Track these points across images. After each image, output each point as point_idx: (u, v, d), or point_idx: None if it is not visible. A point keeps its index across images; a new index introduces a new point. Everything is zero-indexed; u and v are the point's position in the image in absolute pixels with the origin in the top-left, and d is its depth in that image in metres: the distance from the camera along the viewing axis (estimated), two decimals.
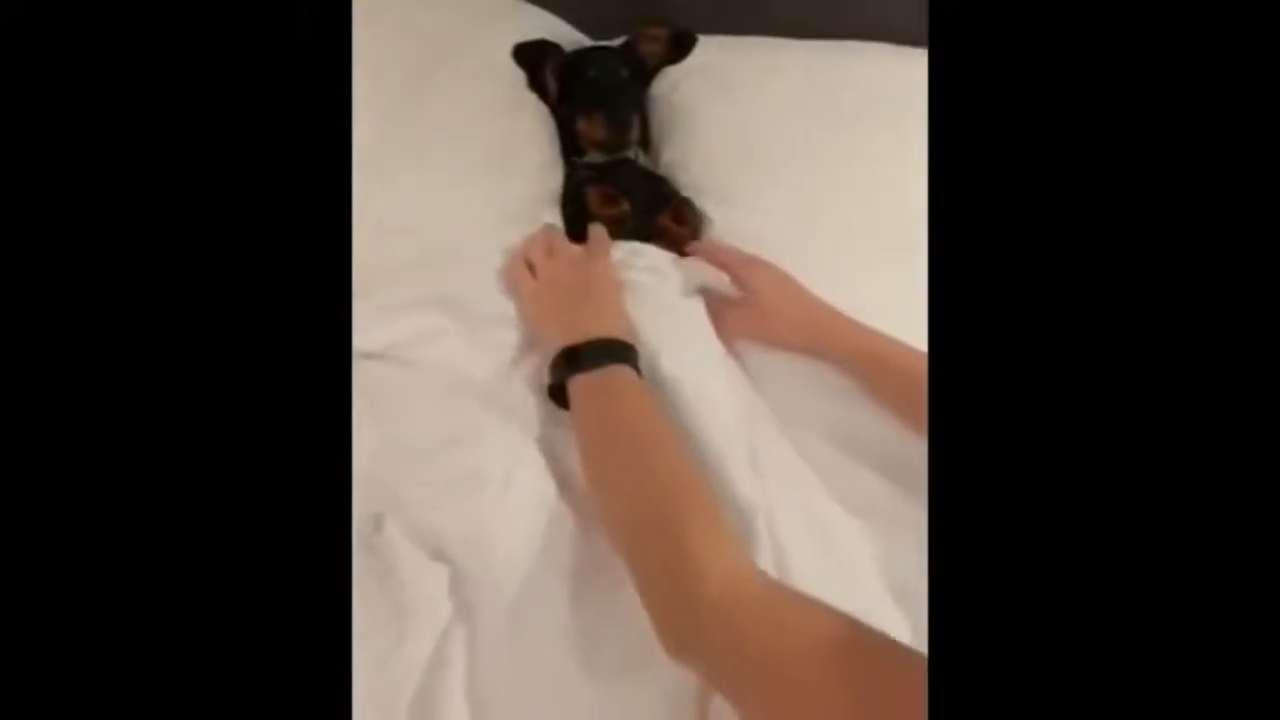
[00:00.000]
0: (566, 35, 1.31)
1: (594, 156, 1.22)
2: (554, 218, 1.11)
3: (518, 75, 1.20)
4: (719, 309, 0.97)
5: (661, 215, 1.14)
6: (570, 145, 1.23)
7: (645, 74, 1.27)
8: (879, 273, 1.02)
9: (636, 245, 1.03)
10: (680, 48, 1.27)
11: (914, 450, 0.81)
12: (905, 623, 0.73)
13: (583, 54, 1.25)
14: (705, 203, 1.17)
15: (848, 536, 0.82)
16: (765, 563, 0.72)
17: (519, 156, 1.15)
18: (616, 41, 1.29)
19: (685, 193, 1.19)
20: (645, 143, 1.26)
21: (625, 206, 1.12)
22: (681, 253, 1.04)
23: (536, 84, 1.22)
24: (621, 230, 1.08)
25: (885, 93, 1.19)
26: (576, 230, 1.07)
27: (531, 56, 1.21)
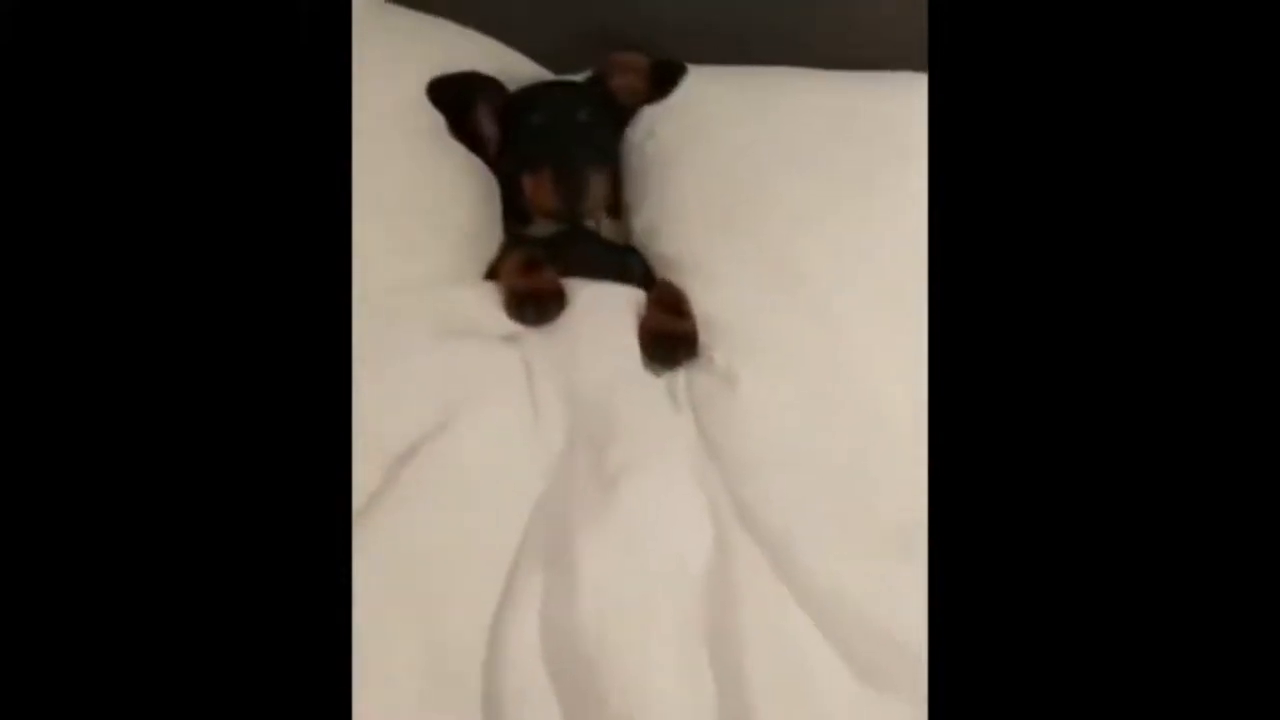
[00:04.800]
0: (518, 66, 1.03)
1: (541, 227, 0.94)
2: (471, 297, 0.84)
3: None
4: None
5: (649, 311, 0.84)
6: (513, 210, 0.94)
7: (619, 115, 0.97)
8: (873, 347, 0.82)
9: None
10: (664, 81, 0.97)
11: None
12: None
13: (529, 91, 0.97)
14: (682, 280, 0.87)
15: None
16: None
17: (436, 218, 0.88)
18: (582, 76, 1.00)
19: (659, 269, 0.89)
20: (616, 208, 0.95)
21: (551, 279, 0.83)
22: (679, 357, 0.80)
23: (463, 130, 0.93)
24: (547, 315, 0.80)
25: (892, 132, 0.89)
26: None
27: (455, 95, 0.93)
